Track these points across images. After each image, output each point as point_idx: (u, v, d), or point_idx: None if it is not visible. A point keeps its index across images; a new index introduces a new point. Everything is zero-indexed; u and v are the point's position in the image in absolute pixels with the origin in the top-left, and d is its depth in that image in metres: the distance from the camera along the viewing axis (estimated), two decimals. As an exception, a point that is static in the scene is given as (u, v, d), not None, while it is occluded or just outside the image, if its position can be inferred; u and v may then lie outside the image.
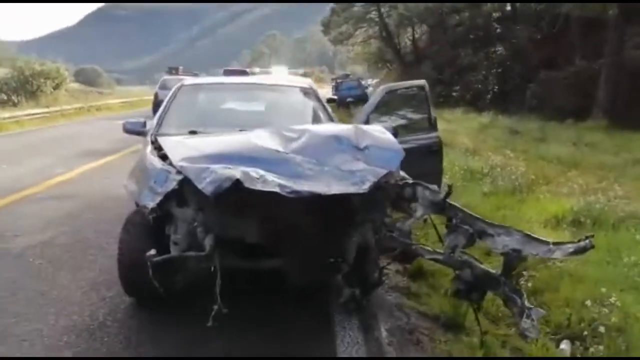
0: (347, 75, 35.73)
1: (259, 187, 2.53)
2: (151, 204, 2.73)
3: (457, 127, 15.88)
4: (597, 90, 16.34)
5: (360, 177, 2.78)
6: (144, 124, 4.07)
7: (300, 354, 2.72)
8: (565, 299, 3.81)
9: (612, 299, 3.44)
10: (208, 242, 2.75)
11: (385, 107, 4.47)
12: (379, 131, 3.26)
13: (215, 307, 2.63)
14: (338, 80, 30.83)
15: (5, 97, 20.84)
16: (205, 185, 2.56)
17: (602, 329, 3.19)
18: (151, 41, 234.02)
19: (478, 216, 2.52)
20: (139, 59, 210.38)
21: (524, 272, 4.20)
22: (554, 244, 2.23)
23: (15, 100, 20.78)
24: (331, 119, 4.14)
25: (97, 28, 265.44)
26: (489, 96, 22.21)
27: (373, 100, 4.36)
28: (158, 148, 3.26)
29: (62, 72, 24.80)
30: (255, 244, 2.97)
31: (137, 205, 3.14)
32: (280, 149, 2.99)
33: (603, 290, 3.61)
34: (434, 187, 2.70)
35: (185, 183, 2.71)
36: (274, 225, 2.93)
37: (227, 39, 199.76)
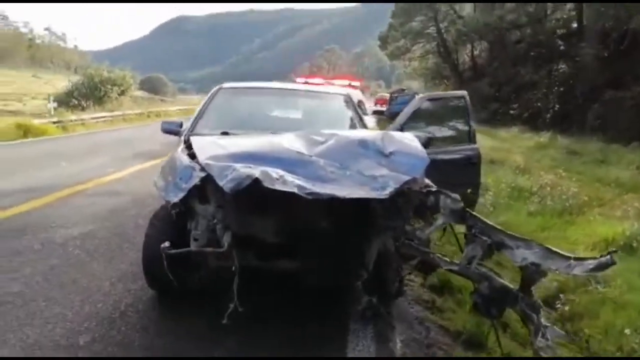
0: (402, 90, 35.48)
1: (277, 186, 2.54)
2: (174, 199, 2.80)
3: (511, 146, 15.39)
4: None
5: (381, 183, 2.74)
6: (180, 125, 4.21)
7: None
8: (605, 326, 3.56)
9: (655, 329, 3.19)
10: (226, 239, 2.79)
11: (424, 117, 4.38)
12: (407, 138, 3.20)
13: (232, 305, 2.65)
14: (394, 95, 30.73)
15: (76, 102, 22.16)
16: (225, 183, 2.60)
17: (640, 360, 2.95)
18: (215, 53, 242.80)
19: (498, 227, 2.41)
20: (202, 69, 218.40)
21: (561, 295, 3.98)
22: (575, 259, 2.09)
23: (84, 105, 22.06)
24: (365, 127, 4.11)
25: (166, 39, 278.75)
26: (548, 115, 21.36)
27: (409, 108, 4.29)
28: (189, 147, 3.35)
29: (127, 79, 26.13)
30: (273, 245, 2.98)
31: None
32: (305, 151, 3.00)
33: (646, 319, 3.35)
34: (455, 195, 2.61)
35: (208, 180, 2.76)
36: (292, 226, 2.94)
37: (286, 52, 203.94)
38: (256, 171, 2.59)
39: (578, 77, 21.08)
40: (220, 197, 2.83)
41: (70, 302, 3.18)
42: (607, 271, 2.34)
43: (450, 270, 2.62)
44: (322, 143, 3.11)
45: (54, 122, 15.34)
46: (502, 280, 2.39)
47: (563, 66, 23.05)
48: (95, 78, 24.05)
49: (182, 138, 3.78)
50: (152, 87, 56.21)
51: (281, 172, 2.67)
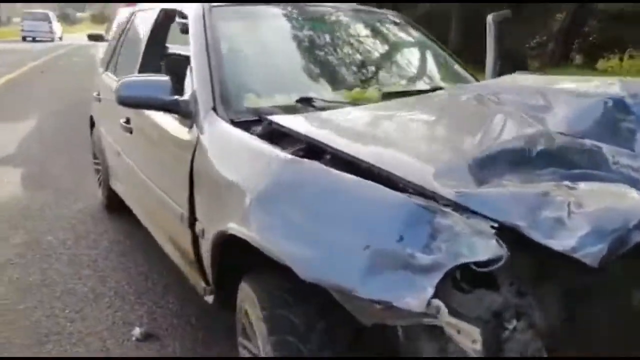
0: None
1: None
2: (414, 300, 1.00)
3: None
4: (449, 31, 16.95)
5: None
6: (169, 90, 1.85)
7: None
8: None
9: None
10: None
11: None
12: None
13: None
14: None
15: None
16: (589, 251, 1.01)
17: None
18: None
19: None
20: None
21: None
22: None
23: None
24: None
25: None
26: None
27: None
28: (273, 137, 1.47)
29: None
30: None
31: (335, 292, 1.20)
32: (556, 129, 1.52)
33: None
34: None
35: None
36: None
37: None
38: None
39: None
40: (528, 280, 1.16)
41: None
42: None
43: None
44: (544, 108, 1.66)
45: None
46: None
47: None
48: None
49: (219, 126, 1.66)
50: None
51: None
